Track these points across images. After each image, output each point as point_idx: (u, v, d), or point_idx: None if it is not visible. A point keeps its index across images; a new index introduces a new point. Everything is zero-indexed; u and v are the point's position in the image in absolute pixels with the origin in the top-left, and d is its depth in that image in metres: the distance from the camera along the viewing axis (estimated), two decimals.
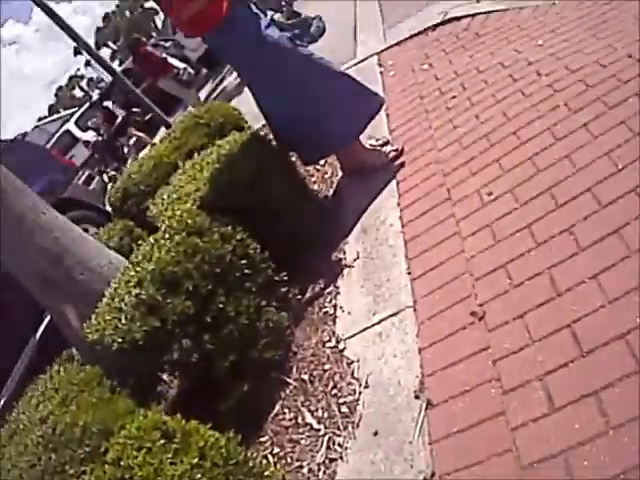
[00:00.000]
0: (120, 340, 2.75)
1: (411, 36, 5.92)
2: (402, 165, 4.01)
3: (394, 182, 3.90)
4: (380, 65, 5.89)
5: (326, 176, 4.77)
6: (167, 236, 3.01)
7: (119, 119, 13.46)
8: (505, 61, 4.31)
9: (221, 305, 2.86)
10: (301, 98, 3.82)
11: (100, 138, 13.72)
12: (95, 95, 20.25)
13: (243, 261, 3.05)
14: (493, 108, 3.87)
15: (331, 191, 4.53)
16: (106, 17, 71.11)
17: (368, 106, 4.05)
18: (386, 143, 4.28)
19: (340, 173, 4.46)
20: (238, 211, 3.25)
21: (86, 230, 4.77)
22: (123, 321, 2.78)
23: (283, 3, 10.52)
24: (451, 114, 4.14)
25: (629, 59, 3.44)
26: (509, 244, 2.88)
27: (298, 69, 3.77)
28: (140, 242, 3.24)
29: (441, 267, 3.05)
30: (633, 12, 3.91)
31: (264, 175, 3.62)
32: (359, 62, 6.45)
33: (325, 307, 3.41)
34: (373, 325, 3.05)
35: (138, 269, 2.93)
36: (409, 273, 3.15)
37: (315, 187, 4.75)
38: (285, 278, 3.32)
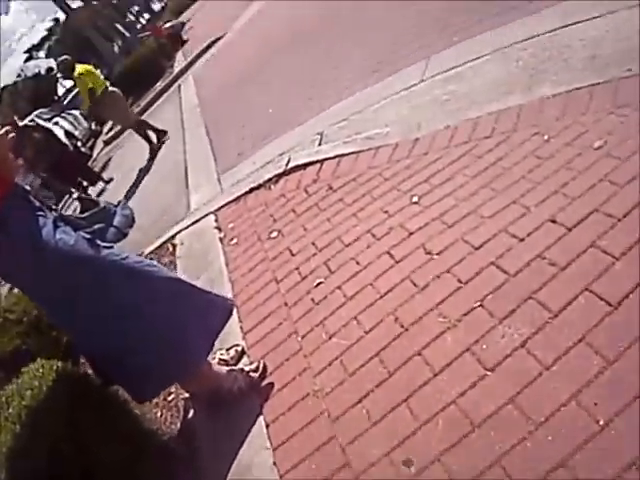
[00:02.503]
0: None
1: (251, 189, 4.86)
2: (268, 390, 2.85)
3: (262, 421, 2.71)
4: (219, 229, 4.76)
5: (170, 398, 3.48)
6: None
7: None
8: (376, 229, 3.30)
9: None
10: (119, 321, 2.65)
11: None
12: None
13: None
14: (378, 306, 2.81)
15: (179, 423, 3.25)
16: None
17: (213, 316, 2.95)
18: (242, 354, 3.20)
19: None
20: None
21: None
22: None
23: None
24: (320, 312, 3.05)
25: (554, 225, 2.50)
26: None
27: (109, 283, 2.62)
28: None
29: None
30: (531, 149, 3.03)
31: (84, 435, 2.54)
32: (193, 223, 5.29)
33: None
34: None
35: None
36: None
37: (158, 414, 3.44)
38: None
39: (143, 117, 11.65)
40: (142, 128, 9.87)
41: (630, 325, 2.00)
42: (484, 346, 2.26)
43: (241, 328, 3.41)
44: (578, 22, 3.95)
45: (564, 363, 2.03)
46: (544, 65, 3.73)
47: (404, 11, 7.08)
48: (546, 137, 3.10)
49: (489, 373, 2.16)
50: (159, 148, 9.70)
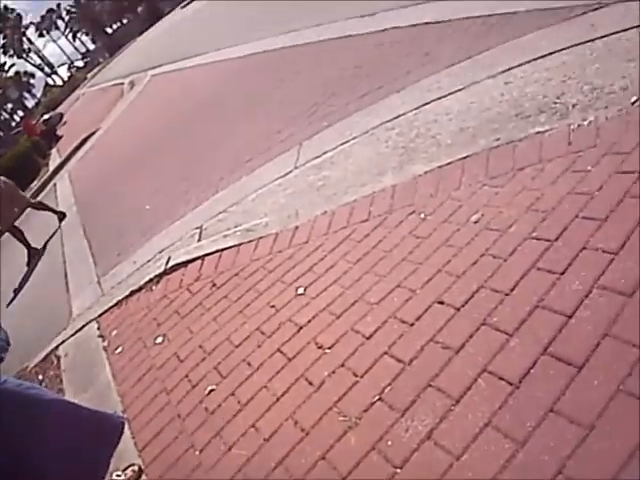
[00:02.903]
0: None
1: (132, 292, 4.63)
2: None
3: None
4: (102, 337, 4.48)
5: None
6: None
7: None
8: (264, 325, 3.18)
9: None
10: (6, 450, 2.49)
11: None
12: None
13: None
14: (275, 410, 2.66)
15: None
16: None
17: (104, 436, 2.84)
18: (140, 473, 2.95)
19: None
20: None
21: None
22: None
23: None
24: (216, 422, 2.86)
25: (442, 307, 2.47)
26: None
27: None
28: None
29: None
30: (409, 229, 3.02)
31: None
32: (75, 332, 4.96)
33: None
34: None
35: None
36: None
37: None
38: None
39: (24, 214, 10.89)
40: (20, 232, 9.23)
41: (534, 402, 1.95)
42: (389, 442, 2.14)
43: (135, 445, 3.15)
44: (442, 97, 4.08)
45: (474, 451, 1.94)
46: (413, 143, 3.80)
47: (270, 100, 7.20)
48: (422, 215, 3.12)
49: (399, 470, 2.05)
50: (43, 248, 9.14)
